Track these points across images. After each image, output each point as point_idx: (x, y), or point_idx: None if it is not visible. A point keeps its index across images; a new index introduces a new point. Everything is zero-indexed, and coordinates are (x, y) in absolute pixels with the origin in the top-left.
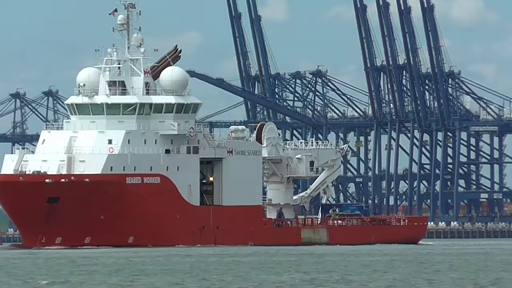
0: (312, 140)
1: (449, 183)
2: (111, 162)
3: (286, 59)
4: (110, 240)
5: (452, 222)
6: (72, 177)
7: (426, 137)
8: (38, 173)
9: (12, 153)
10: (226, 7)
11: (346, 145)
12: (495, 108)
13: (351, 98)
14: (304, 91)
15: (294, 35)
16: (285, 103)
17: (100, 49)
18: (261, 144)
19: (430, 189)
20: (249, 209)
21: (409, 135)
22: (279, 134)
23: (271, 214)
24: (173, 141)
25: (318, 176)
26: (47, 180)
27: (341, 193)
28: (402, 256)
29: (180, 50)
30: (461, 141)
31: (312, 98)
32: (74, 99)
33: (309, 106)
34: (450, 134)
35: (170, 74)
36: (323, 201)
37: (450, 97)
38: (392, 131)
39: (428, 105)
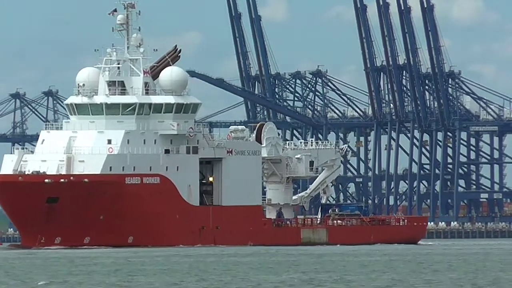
0: (312, 140)
1: (449, 183)
2: (110, 162)
3: (286, 59)
4: (110, 240)
5: (452, 222)
6: (72, 177)
7: (426, 137)
8: (38, 173)
9: (11, 153)
10: (226, 7)
11: (346, 145)
12: (495, 108)
13: (351, 98)
14: (304, 91)
15: (294, 35)
16: (285, 103)
17: (99, 49)
18: (261, 144)
19: (430, 189)
20: (248, 209)
21: (409, 135)
22: (279, 134)
23: (271, 214)
24: (172, 141)
25: (317, 176)
26: (46, 180)
27: (341, 193)
28: (401, 256)
29: (180, 50)
30: (461, 141)
31: (312, 98)
32: (73, 99)
33: (309, 106)
34: (450, 134)
35: (169, 74)
36: (323, 201)
37: (450, 97)
38: (392, 131)
39: (428, 105)
